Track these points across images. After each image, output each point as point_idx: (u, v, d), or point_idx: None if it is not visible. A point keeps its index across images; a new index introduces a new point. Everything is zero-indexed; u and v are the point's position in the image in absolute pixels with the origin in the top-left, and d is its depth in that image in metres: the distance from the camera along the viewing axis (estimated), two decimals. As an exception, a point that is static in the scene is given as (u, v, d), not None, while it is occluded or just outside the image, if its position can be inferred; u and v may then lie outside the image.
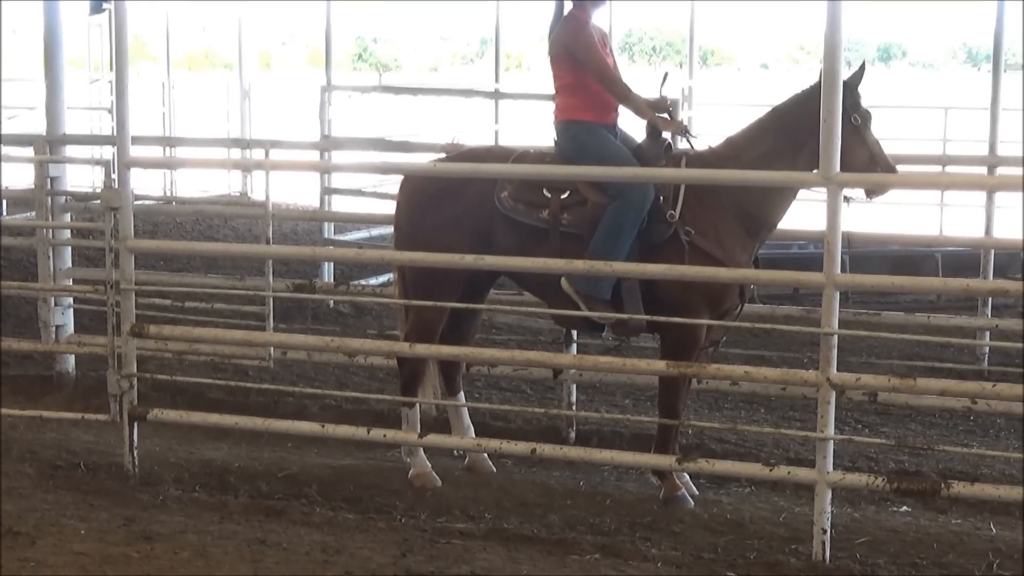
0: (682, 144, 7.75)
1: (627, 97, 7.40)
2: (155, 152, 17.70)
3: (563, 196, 7.37)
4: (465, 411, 8.01)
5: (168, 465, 7.80)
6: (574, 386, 8.62)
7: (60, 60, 9.93)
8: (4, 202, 17.12)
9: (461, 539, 6.61)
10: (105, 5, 15.04)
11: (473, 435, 7.88)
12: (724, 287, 7.22)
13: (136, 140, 7.89)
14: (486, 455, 7.85)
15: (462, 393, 8.06)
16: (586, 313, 7.28)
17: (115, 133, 7.42)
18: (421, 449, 7.64)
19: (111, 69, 21.03)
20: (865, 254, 13.23)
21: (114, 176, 7.59)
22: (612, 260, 7.00)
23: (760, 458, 8.10)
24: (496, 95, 16.22)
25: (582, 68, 7.42)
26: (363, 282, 11.78)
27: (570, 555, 6.42)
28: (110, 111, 19.96)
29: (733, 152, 7.38)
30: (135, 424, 7.54)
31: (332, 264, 12.63)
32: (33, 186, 9.76)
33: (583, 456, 7.13)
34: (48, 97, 9.98)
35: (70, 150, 10.70)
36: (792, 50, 73.31)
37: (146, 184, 17.28)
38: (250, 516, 6.91)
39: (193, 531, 6.60)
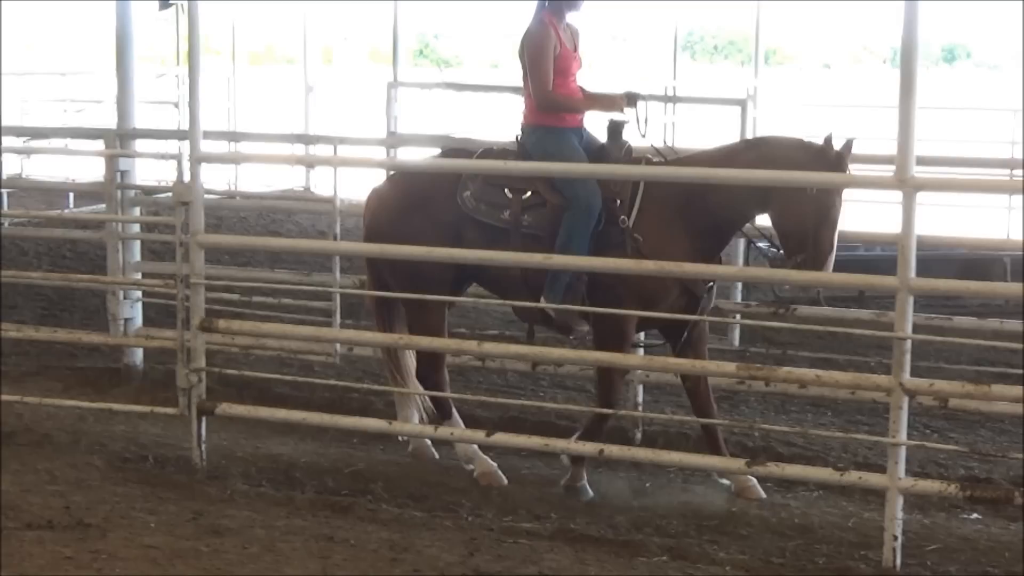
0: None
1: (567, 108, 7.57)
2: (220, 147, 17.77)
3: (524, 197, 7.51)
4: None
5: (235, 459, 7.84)
6: (641, 386, 8.59)
7: (131, 55, 10.00)
8: (72, 195, 17.31)
9: (528, 539, 6.59)
10: (172, 1, 15.06)
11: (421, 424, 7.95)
12: (657, 285, 7.27)
13: (203, 135, 7.92)
14: (429, 442, 7.91)
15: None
16: (544, 305, 7.41)
17: (184, 128, 7.46)
18: (479, 451, 7.69)
19: (177, 64, 21.26)
20: (930, 257, 13.10)
21: (185, 171, 7.64)
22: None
23: (828, 462, 8.02)
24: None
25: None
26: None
27: (638, 557, 6.39)
28: (176, 105, 20.11)
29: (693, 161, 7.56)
30: (203, 418, 7.58)
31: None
32: (103, 180, 9.80)
33: (651, 457, 7.11)
34: (119, 91, 10.06)
35: (138, 144, 10.76)
36: (855, 50, 72.80)
37: (210, 178, 17.37)
38: (317, 512, 6.93)
39: (261, 526, 6.63)
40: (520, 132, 7.76)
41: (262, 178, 20.23)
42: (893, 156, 6.45)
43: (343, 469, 7.74)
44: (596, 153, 7.59)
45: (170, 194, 10.07)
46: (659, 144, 7.75)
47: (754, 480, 7.53)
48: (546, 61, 7.50)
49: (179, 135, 11.43)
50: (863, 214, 12.36)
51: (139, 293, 9.82)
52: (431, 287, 7.46)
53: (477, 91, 17.42)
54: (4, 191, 17.79)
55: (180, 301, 7.55)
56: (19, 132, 15.67)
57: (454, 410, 7.89)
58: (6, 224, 14.07)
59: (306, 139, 13.46)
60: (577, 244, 7.34)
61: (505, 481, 7.61)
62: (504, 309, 10.66)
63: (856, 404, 8.88)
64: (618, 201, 7.40)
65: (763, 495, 7.55)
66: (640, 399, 8.64)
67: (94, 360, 10.25)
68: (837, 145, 7.07)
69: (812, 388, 7.92)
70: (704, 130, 15.04)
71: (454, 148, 8.29)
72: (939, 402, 7.39)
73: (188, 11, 7.49)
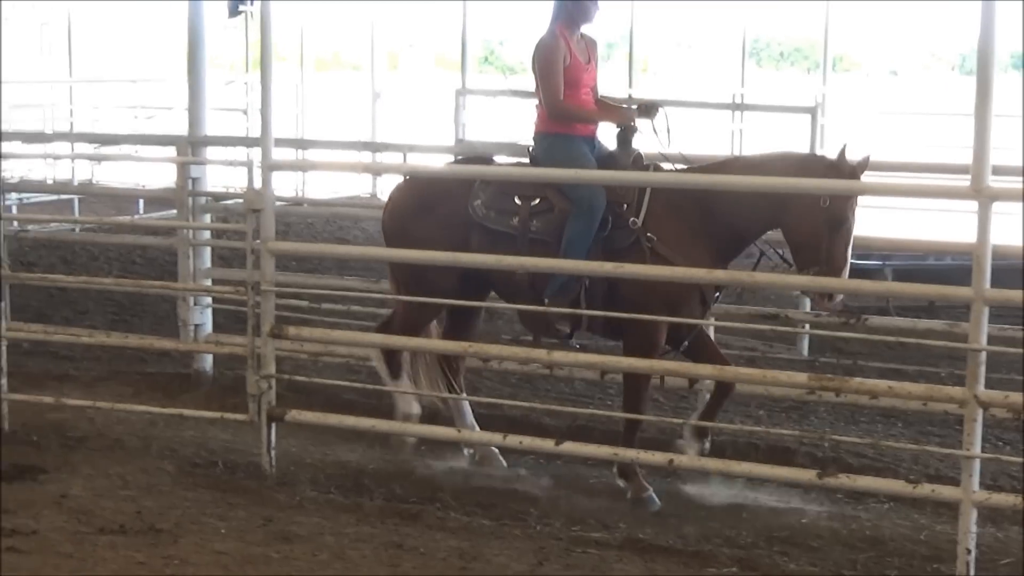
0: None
1: (577, 118, 7.70)
2: (288, 154, 17.89)
3: (533, 204, 7.63)
4: (467, 407, 8.20)
5: (304, 466, 7.87)
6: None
7: (203, 62, 10.08)
8: (142, 201, 17.48)
9: (597, 549, 6.58)
10: (242, 8, 15.14)
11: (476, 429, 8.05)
12: (682, 291, 7.35)
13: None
14: (496, 450, 7.93)
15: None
16: (549, 310, 7.49)
17: (254, 135, 7.50)
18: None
19: (246, 71, 21.42)
20: (1000, 267, 12.94)
21: (256, 178, 7.68)
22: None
23: (898, 474, 7.94)
24: (630, 100, 16.13)
25: None
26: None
27: (707, 568, 6.37)
28: (244, 112, 20.25)
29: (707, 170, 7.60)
30: (273, 424, 7.62)
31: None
32: (174, 186, 9.87)
33: (720, 468, 7.06)
34: (190, 99, 10.13)
35: (208, 151, 10.82)
36: (923, 56, 72.21)
37: (277, 185, 17.47)
38: (386, 519, 6.94)
39: (331, 533, 6.65)
40: (532, 141, 7.90)
41: (329, 185, 20.34)
42: (966, 165, 6.38)
43: (411, 476, 7.76)
44: (605, 160, 7.71)
45: (239, 200, 10.15)
46: (669, 151, 7.74)
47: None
48: (556, 71, 7.63)
49: (250, 142, 11.51)
50: (932, 223, 12.31)
51: (209, 299, 9.88)
52: (433, 291, 7.62)
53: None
54: (75, 197, 18.03)
55: (251, 308, 7.59)
56: (91, 139, 15.85)
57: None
58: (77, 230, 14.25)
59: (373, 146, 13.49)
60: (579, 245, 7.46)
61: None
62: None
63: (927, 415, 8.81)
64: (624, 205, 7.50)
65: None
66: (708, 409, 8.58)
67: (164, 365, 10.34)
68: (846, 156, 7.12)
69: (883, 399, 7.85)
70: (772, 139, 14.96)
71: (470, 156, 8.50)
72: (1013, 414, 7.32)
73: (261, 18, 7.53)
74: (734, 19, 22.32)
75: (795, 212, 7.17)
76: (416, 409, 8.03)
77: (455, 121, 13.01)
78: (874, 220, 14.78)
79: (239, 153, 16.63)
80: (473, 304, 7.79)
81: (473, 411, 8.85)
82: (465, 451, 8.17)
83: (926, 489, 6.61)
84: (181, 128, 20.27)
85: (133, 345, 9.80)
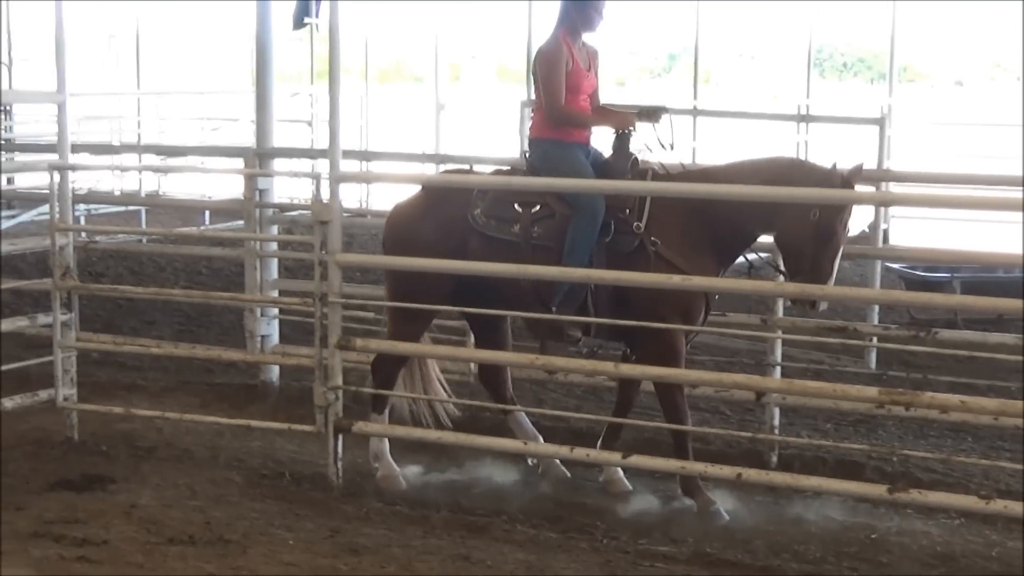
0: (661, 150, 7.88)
1: (576, 122, 7.79)
2: (352, 166, 17.97)
3: (533, 210, 7.71)
4: (526, 419, 8.24)
5: (370, 477, 7.88)
6: (777, 409, 8.49)
7: (270, 75, 10.13)
8: (207, 212, 17.60)
9: (664, 562, 6.55)
10: (307, 20, 15.22)
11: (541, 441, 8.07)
12: (691, 296, 7.42)
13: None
14: (621, 471, 7.86)
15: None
16: (557, 317, 7.57)
17: (319, 147, 7.52)
18: (388, 453, 7.91)
19: (311, 83, 21.53)
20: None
21: (324, 190, 7.71)
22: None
23: (969, 489, 7.85)
24: (695, 112, 16.10)
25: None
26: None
27: (776, 583, 6.32)
28: (309, 124, 20.35)
29: (703, 175, 7.73)
30: (339, 436, 7.64)
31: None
32: (242, 198, 9.92)
33: (789, 482, 7.01)
34: (258, 111, 10.20)
35: (275, 163, 10.88)
36: (987, 66, 71.59)
37: (342, 196, 17.53)
38: (452, 531, 6.94)
39: (398, 545, 6.66)
40: (528, 147, 8.00)
41: (392, 196, 20.36)
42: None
43: (477, 489, 7.75)
44: (602, 166, 7.80)
45: (304, 212, 10.19)
46: (667, 157, 7.87)
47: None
48: (558, 76, 7.71)
49: (316, 154, 11.55)
50: (1002, 236, 12.17)
51: (276, 310, 9.92)
52: (427, 297, 7.72)
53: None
54: (142, 208, 18.19)
55: (318, 320, 7.61)
56: (158, 151, 15.99)
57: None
58: (144, 241, 14.37)
59: (438, 159, 13.51)
60: (581, 250, 7.53)
61: (403, 485, 7.77)
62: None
63: (996, 429, 8.69)
64: (627, 210, 7.58)
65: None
66: (776, 422, 8.54)
67: (231, 376, 10.39)
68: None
69: (953, 413, 7.77)
70: (838, 150, 14.85)
71: (458, 168, 8.70)
72: (1086, 430, 7.23)
73: (329, 29, 7.55)
74: (798, 29, 22.18)
75: (785, 219, 7.29)
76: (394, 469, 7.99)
77: (520, 132, 12.96)
78: (942, 232, 14.72)
79: (303, 165, 16.76)
80: (477, 311, 7.78)
81: (538, 423, 8.86)
82: (530, 462, 8.15)
83: (998, 505, 6.54)
84: (247, 140, 20.53)
85: (201, 356, 9.86)
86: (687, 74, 20.35)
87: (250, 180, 9.74)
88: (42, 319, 8.64)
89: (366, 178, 12.37)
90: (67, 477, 7.57)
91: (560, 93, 7.72)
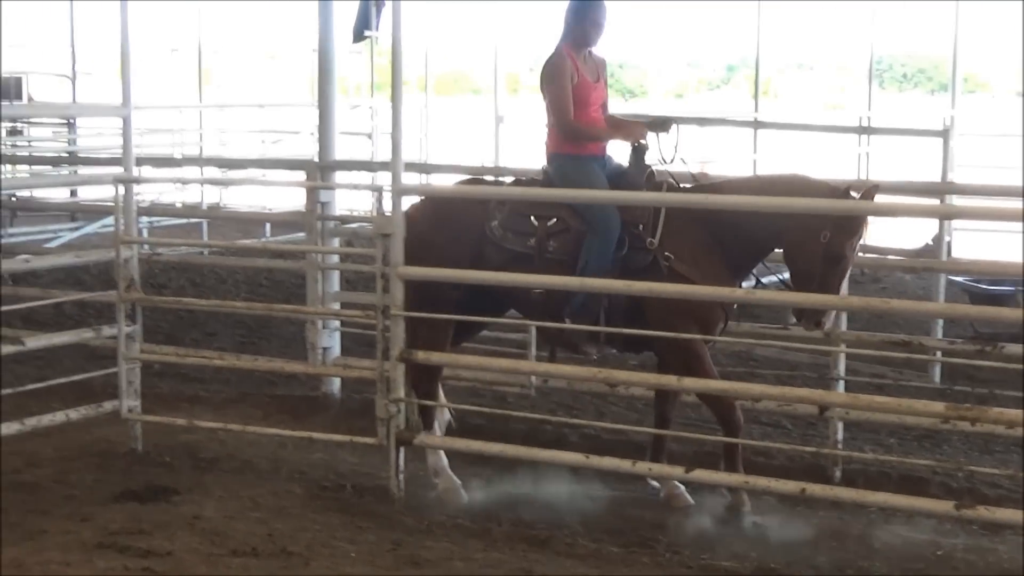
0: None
1: (588, 136, 7.86)
2: (412, 178, 18.00)
3: (549, 224, 7.76)
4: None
5: (432, 489, 7.88)
6: (840, 424, 8.42)
7: (333, 87, 10.18)
8: (268, 225, 17.69)
9: (728, 578, 6.52)
10: (367, 33, 15.32)
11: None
12: (707, 308, 7.50)
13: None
14: (682, 486, 7.81)
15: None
16: (573, 327, 7.70)
17: (377, 159, 7.55)
18: (447, 467, 7.90)
19: (371, 95, 21.59)
20: None
21: (386, 203, 7.72)
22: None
23: (1036, 505, 7.76)
24: (755, 124, 16.01)
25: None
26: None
27: (841, 599, 6.26)
28: (369, 137, 20.40)
29: (714, 189, 7.78)
30: (401, 448, 7.64)
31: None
32: (303, 210, 9.96)
33: (854, 498, 6.95)
34: (320, 123, 10.24)
35: (336, 175, 10.92)
36: (1050, 77, 70.82)
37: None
38: (514, 545, 6.92)
39: (460, 558, 6.65)
40: (545, 161, 8.03)
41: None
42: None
43: (538, 502, 7.73)
44: (617, 178, 7.84)
45: (364, 224, 10.21)
46: (680, 168, 7.94)
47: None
48: (564, 90, 7.78)
49: (378, 167, 11.58)
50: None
51: (338, 323, 9.94)
52: (439, 306, 7.71)
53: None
54: (204, 221, 18.31)
55: (380, 332, 7.62)
56: (219, 163, 16.09)
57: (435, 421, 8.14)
58: (206, 253, 14.46)
59: (496, 172, 13.52)
60: (595, 265, 7.58)
61: (465, 499, 7.76)
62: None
63: (1066, 445, 8.60)
64: (640, 226, 7.63)
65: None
66: (840, 436, 8.47)
67: (292, 388, 10.42)
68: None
69: (1020, 428, 7.67)
70: (900, 162, 14.76)
71: (477, 178, 8.79)
72: None
73: (392, 42, 7.57)
74: (858, 39, 22.05)
75: (795, 239, 7.36)
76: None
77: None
78: (1006, 245, 14.56)
79: (364, 177, 16.80)
80: (522, 322, 8.09)
81: (599, 436, 8.85)
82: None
83: (1069, 522, 6.45)
84: (308, 152, 20.63)
85: (263, 368, 9.90)
86: (745, 85, 20.28)
87: (312, 192, 9.78)
88: (107, 331, 8.70)
89: (430, 191, 12.38)
90: (131, 488, 7.61)
91: (568, 108, 7.78)
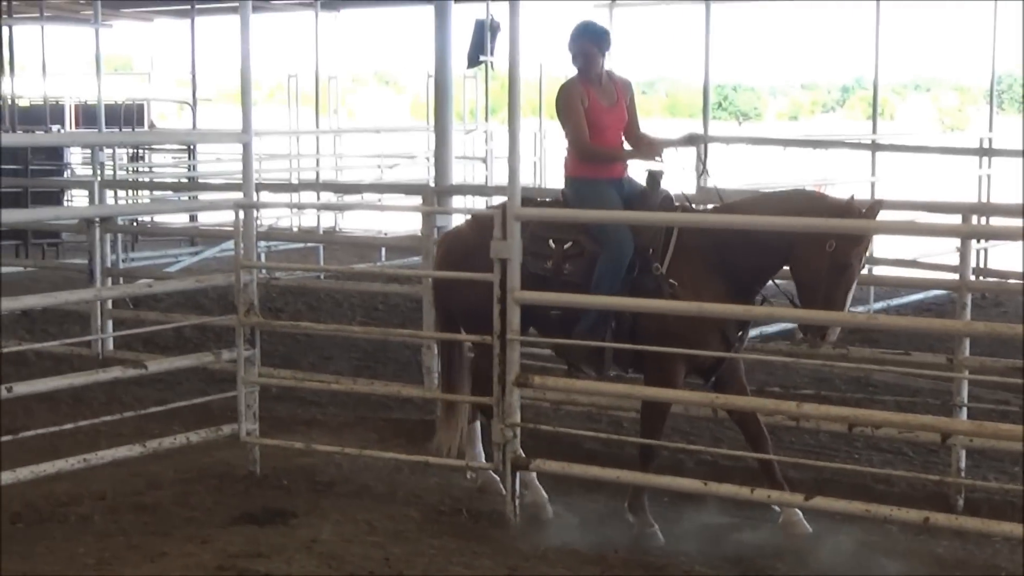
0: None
1: (604, 157, 8.04)
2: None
3: (566, 247, 7.94)
4: (479, 437, 8.44)
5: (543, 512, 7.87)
6: (963, 451, 8.27)
7: (449, 112, 10.26)
8: (384, 249, 17.81)
9: (847, 608, 6.41)
10: (483, 58, 15.38)
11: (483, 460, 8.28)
12: (697, 330, 7.50)
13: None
14: (800, 513, 7.66)
15: (478, 422, 8.48)
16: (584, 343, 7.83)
17: (492, 183, 7.56)
18: (536, 480, 7.97)
19: (486, 120, 21.68)
20: None
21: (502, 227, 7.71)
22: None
23: None
24: (874, 146, 15.80)
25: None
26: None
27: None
28: (484, 161, 20.48)
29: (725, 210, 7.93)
30: (517, 473, 7.63)
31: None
32: (420, 234, 10.00)
33: (980, 528, 6.81)
34: (437, 148, 10.32)
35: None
36: None
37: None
38: (630, 572, 6.90)
39: (576, 585, 6.61)
40: (563, 184, 8.21)
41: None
42: None
43: (653, 528, 7.67)
44: (635, 200, 7.99)
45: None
46: (694, 190, 8.26)
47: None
48: (576, 115, 7.97)
49: (493, 191, 11.60)
50: None
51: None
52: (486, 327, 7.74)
53: (777, 145, 17.15)
54: (320, 245, 18.48)
55: (497, 356, 7.62)
56: (335, 188, 16.23)
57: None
58: (322, 277, 14.58)
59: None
60: (607, 286, 7.72)
61: (550, 514, 7.90)
62: (814, 365, 10.44)
63: None
64: (651, 250, 7.75)
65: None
66: (963, 464, 8.31)
67: (408, 412, 10.44)
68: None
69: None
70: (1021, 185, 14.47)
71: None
72: None
73: (509, 66, 7.58)
74: (980, 61, 21.73)
75: (801, 251, 7.38)
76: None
77: (696, 169, 12.85)
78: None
79: (478, 201, 16.86)
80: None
81: (715, 462, 8.75)
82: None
83: None
84: (423, 176, 20.75)
85: (379, 392, 9.94)
86: (859, 106, 20.08)
87: (428, 217, 9.83)
88: (226, 355, 8.79)
89: (547, 216, 12.45)
90: (250, 511, 7.69)
91: (582, 131, 7.95)
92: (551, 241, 7.94)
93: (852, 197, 7.39)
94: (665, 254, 7.74)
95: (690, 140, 8.14)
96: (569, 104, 8.01)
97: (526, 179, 20.41)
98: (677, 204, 8.15)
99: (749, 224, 7.42)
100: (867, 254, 7.58)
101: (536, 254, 7.89)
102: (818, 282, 7.34)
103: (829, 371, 10.87)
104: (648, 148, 8.10)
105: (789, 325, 12.04)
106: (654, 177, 8.05)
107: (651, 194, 8.03)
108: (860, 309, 13.58)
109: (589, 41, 8.07)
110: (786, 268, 7.63)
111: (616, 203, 7.94)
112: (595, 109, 8.02)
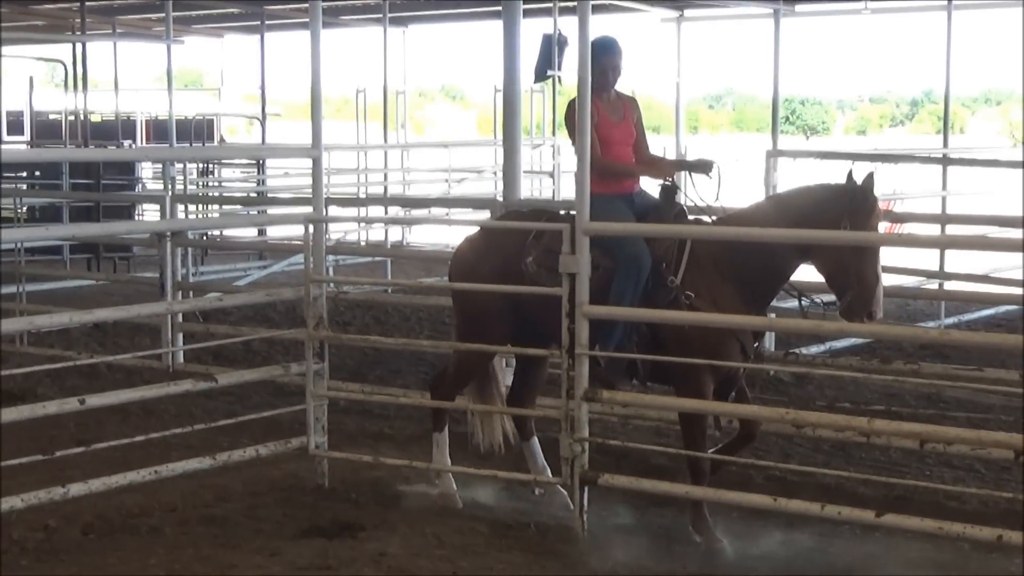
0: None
1: (616, 171, 8.09)
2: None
3: None
4: (539, 452, 8.53)
5: (615, 530, 7.83)
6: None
7: (518, 127, 10.25)
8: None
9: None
10: (550, 72, 15.36)
11: (549, 475, 8.28)
12: (719, 342, 7.57)
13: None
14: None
15: (535, 437, 8.62)
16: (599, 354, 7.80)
17: (559, 198, 7.58)
18: (450, 473, 8.34)
19: (553, 134, 21.70)
20: None
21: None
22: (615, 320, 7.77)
23: None
24: (945, 160, 15.65)
25: None
26: (804, 350, 11.56)
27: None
28: (551, 175, 20.48)
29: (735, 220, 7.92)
30: (585, 488, 7.61)
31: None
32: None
33: (1047, 546, 6.71)
34: (505, 163, 10.29)
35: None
36: None
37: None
38: (701, 588, 6.85)
39: (645, 601, 6.59)
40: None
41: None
42: None
43: (721, 543, 7.62)
44: (648, 214, 8.07)
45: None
46: (705, 205, 8.09)
47: None
48: (582, 138, 7.78)
49: (563, 206, 11.59)
50: None
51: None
52: (489, 332, 8.22)
53: (846, 159, 17.03)
54: (388, 259, 18.53)
55: (565, 371, 7.61)
56: (403, 202, 16.29)
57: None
58: (390, 291, 14.63)
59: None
60: (623, 302, 7.73)
61: (459, 504, 8.18)
62: (884, 381, 10.38)
63: None
64: (664, 264, 7.79)
65: None
66: (1038, 480, 8.21)
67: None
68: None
69: None
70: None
71: (517, 212, 9.18)
72: None
73: (578, 81, 7.58)
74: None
75: (818, 244, 7.40)
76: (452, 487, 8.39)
77: (765, 183, 12.81)
78: None
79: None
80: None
81: (784, 478, 8.68)
82: None
83: None
84: (490, 191, 20.77)
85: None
86: (928, 120, 19.93)
87: (496, 231, 9.81)
88: (295, 368, 8.83)
89: (616, 231, 12.44)
90: (318, 524, 7.72)
91: (593, 145, 7.84)
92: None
93: (850, 172, 7.48)
94: (679, 267, 7.78)
95: (701, 165, 8.12)
96: (577, 131, 7.93)
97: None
98: (692, 217, 8.17)
99: (772, 236, 7.47)
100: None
101: (550, 269, 7.83)
102: (845, 265, 7.37)
103: (900, 387, 10.78)
104: (658, 168, 8.23)
105: (859, 340, 12.00)
106: (668, 191, 8.11)
107: (665, 208, 8.07)
108: (931, 324, 13.47)
109: (619, 56, 8.15)
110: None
111: (628, 218, 8.00)
112: (604, 124, 8.06)
